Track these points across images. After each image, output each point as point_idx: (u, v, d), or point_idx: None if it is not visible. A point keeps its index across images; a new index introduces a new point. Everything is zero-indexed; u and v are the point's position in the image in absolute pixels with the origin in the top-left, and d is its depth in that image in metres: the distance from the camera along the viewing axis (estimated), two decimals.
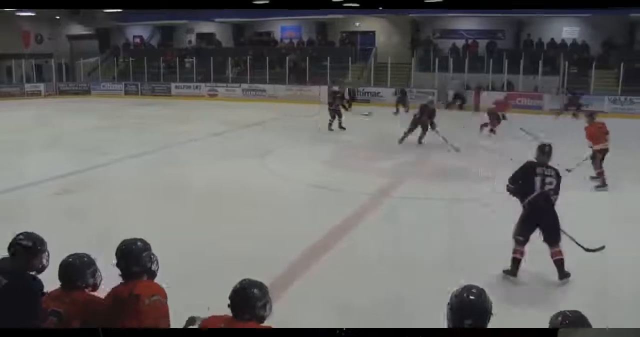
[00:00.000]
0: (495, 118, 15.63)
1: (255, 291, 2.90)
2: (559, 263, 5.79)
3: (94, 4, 22.88)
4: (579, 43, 24.61)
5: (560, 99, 21.33)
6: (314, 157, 12.58)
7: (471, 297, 2.67)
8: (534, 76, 22.68)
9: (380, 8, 23.99)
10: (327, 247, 6.95)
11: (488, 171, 10.53)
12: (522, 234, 5.86)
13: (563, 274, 5.79)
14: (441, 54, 25.41)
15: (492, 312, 2.66)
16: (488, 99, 20.41)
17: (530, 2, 19.56)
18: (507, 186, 5.96)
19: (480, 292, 2.70)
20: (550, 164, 5.93)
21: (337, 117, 16.42)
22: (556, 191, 5.79)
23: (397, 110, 20.56)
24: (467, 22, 26.49)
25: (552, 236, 5.79)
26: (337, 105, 16.63)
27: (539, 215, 5.80)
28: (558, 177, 5.84)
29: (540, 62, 22.55)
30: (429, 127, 13.96)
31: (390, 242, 7.11)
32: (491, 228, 7.26)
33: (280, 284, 5.52)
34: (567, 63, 22.29)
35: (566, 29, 25.16)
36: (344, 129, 16.42)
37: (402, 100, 20.99)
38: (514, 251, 5.90)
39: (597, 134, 9.94)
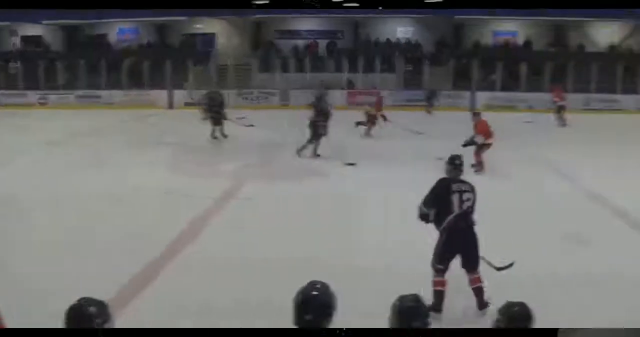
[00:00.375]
0: (372, 119, 15.48)
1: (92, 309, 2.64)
2: (479, 291, 5.11)
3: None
4: (412, 42, 25.79)
5: (399, 95, 22.18)
6: (154, 163, 11.86)
7: (314, 292, 2.66)
8: (373, 74, 23.39)
9: (380, 8, 23.64)
10: (175, 251, 6.69)
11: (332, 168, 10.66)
12: (442, 262, 5.09)
13: (483, 304, 5.08)
14: (282, 54, 25.46)
15: (336, 307, 2.64)
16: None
17: (530, 1, 20.06)
18: (421, 212, 5.16)
19: (325, 288, 2.69)
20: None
21: (219, 124, 14.70)
22: (474, 208, 5.09)
23: None
24: (307, 23, 26.80)
25: (472, 261, 5.12)
26: (215, 112, 14.65)
27: (460, 239, 5.08)
28: (474, 191, 5.13)
29: (378, 61, 23.31)
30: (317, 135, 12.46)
31: (238, 244, 6.86)
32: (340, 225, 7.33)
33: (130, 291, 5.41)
34: (402, 61, 23.28)
35: (400, 29, 26.31)
36: (226, 136, 14.82)
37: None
38: (435, 283, 5.09)
39: (488, 130, 10.90)
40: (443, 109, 21.31)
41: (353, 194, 9.34)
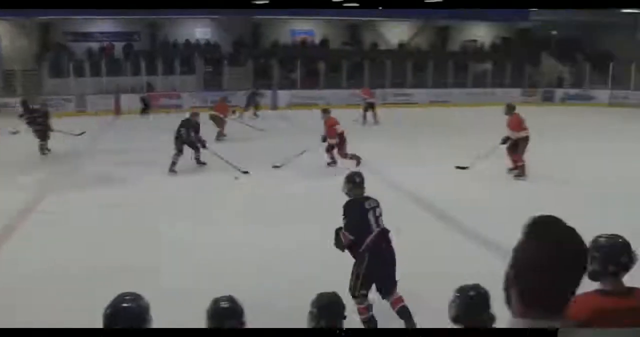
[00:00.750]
0: (221, 121, 14.99)
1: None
2: (405, 311, 4.66)
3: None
4: (211, 43, 25.78)
5: (199, 97, 22.05)
6: None
7: (124, 304, 2.77)
8: (172, 76, 23.00)
9: (380, 8, 23.37)
10: None
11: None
12: (367, 287, 4.67)
13: (411, 324, 4.65)
14: (76, 58, 24.04)
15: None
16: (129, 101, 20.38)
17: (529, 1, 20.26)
18: (345, 241, 4.69)
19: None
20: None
21: (46, 138, 12.92)
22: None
23: None
24: (100, 25, 25.57)
25: (392, 281, 4.72)
26: (39, 123, 12.88)
27: (382, 258, 4.70)
28: (379, 205, 4.86)
29: (177, 62, 22.96)
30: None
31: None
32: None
33: None
34: (202, 62, 23.15)
35: (199, 29, 26.16)
36: (49, 151, 13.03)
37: None
38: (362, 311, 4.67)
39: (334, 129, 11.21)
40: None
41: (149, 202, 9.13)
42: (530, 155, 10.33)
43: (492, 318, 3.02)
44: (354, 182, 4.93)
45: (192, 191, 9.82)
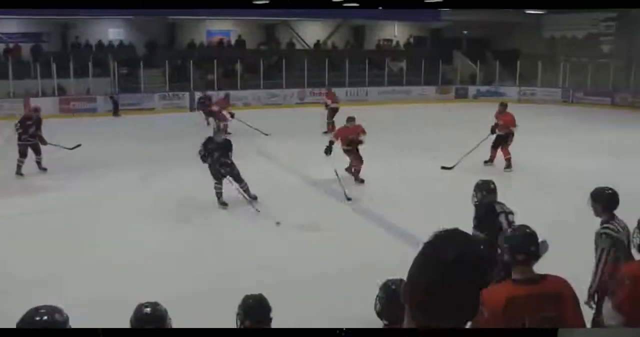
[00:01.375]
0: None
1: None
2: None
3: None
4: (125, 44, 25.12)
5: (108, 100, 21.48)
6: None
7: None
8: (85, 79, 22.19)
9: (380, 8, 23.18)
10: None
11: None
12: None
13: None
14: None
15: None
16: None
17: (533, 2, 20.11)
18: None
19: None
20: None
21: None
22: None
23: None
24: (5, 25, 24.33)
25: None
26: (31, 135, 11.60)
27: None
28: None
29: (90, 64, 22.19)
30: None
31: None
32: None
33: None
34: (116, 64, 22.46)
35: (112, 30, 25.40)
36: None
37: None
38: None
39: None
40: (163, 111, 21.27)
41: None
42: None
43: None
44: (490, 189, 5.35)
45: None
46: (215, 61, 23.30)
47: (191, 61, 23.32)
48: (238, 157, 9.31)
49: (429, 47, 30.10)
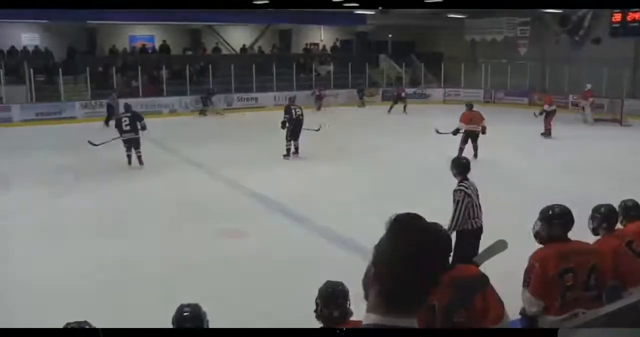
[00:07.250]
0: None
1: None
2: None
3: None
4: (42, 50, 24.02)
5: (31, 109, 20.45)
6: None
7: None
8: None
9: (380, 8, 23.44)
10: None
11: None
12: None
13: None
14: None
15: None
16: None
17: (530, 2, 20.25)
18: None
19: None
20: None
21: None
22: None
23: None
24: None
25: None
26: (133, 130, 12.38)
27: None
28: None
29: (2, 72, 21.06)
30: None
31: None
32: None
33: None
34: (32, 71, 21.40)
35: (25, 35, 24.25)
36: None
37: None
38: None
39: None
40: (85, 120, 20.42)
41: None
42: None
43: (346, 313, 3.29)
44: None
45: None
46: (139, 67, 22.63)
47: (113, 68, 22.56)
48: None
49: (355, 50, 30.31)
